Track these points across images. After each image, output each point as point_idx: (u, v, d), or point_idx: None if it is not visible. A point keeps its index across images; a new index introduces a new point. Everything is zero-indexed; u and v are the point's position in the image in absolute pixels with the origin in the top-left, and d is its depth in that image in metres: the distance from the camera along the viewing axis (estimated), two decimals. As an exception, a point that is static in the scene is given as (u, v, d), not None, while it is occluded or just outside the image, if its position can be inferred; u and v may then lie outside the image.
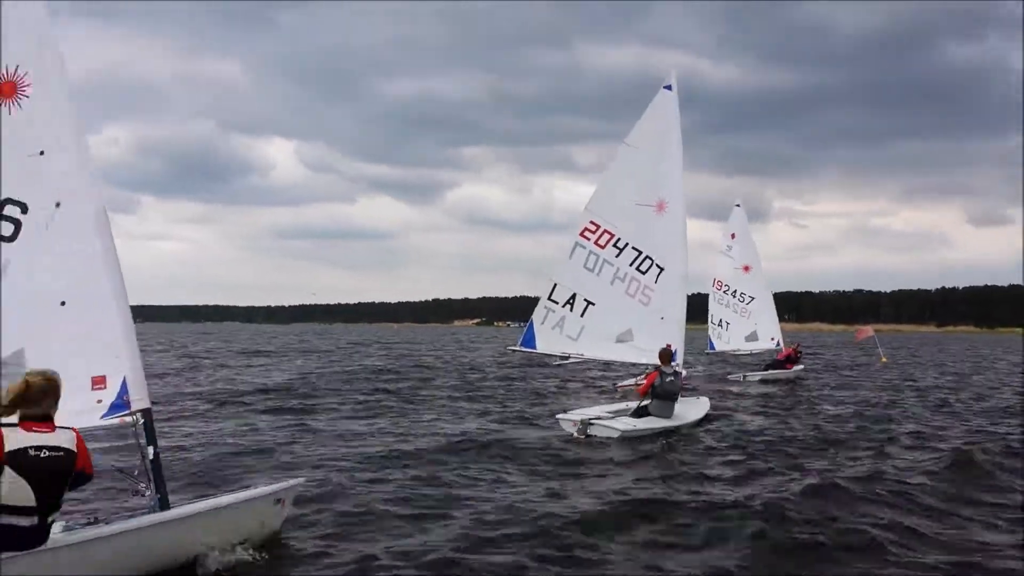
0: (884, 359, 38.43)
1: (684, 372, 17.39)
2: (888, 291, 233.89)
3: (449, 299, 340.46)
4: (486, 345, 67.52)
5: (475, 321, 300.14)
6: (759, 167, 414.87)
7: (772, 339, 31.04)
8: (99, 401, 7.16)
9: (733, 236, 31.36)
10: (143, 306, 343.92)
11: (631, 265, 17.55)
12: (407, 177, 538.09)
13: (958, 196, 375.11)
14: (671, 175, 17.98)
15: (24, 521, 5.75)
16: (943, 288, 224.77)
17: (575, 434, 14.43)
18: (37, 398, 5.90)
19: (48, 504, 5.82)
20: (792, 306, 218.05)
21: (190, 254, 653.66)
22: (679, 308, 17.73)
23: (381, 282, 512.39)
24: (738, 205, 32.34)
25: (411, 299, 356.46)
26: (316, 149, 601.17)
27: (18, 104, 7.33)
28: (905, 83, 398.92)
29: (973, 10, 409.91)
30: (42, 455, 5.75)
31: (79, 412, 6.85)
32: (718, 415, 17.60)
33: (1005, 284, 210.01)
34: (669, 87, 18.10)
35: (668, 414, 15.32)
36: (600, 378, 27.34)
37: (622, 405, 16.45)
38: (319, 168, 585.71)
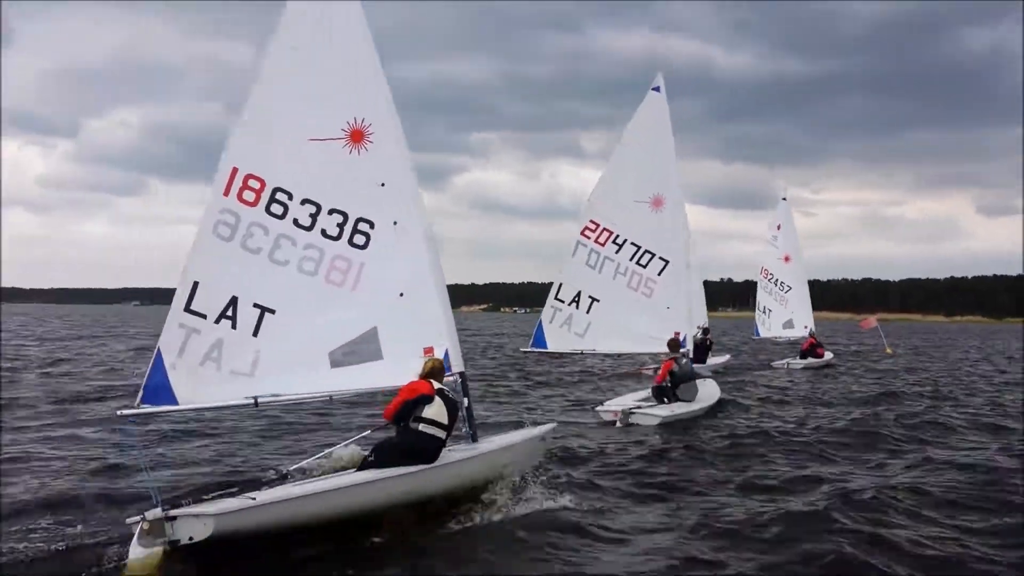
0: (889, 350, 37.78)
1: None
2: (897, 280, 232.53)
3: (456, 284, 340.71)
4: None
5: (482, 307, 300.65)
6: (768, 155, 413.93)
7: (805, 327, 32.61)
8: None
9: (779, 227, 33.62)
10: (157, 288, 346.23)
11: (631, 260, 18.32)
12: (416, 162, 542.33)
13: (969, 186, 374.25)
14: (665, 171, 18.87)
15: (440, 433, 9.17)
16: (952, 277, 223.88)
17: (617, 423, 15.85)
18: (439, 372, 9.73)
19: (449, 428, 9.27)
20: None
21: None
22: (683, 298, 18.80)
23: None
24: (784, 199, 34.40)
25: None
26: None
27: (365, 148, 10.26)
28: (918, 71, 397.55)
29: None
30: (444, 394, 9.50)
31: (414, 372, 9.81)
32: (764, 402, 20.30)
33: (1014, 274, 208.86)
34: (657, 89, 19.06)
35: (693, 397, 17.16)
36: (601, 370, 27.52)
37: (645, 393, 17.83)
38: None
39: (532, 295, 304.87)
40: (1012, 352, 50.03)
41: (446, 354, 10.40)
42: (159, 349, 9.49)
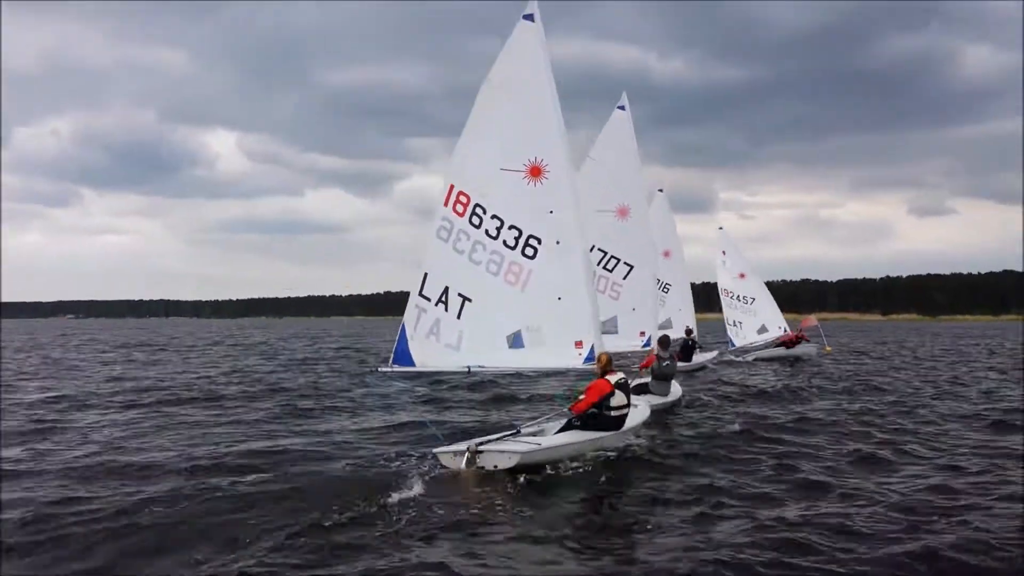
0: (828, 348, 39.87)
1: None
2: (834, 280, 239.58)
3: (401, 292, 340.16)
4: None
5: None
6: (705, 160, 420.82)
7: (779, 327, 36.92)
8: (580, 354, 13.11)
9: (724, 253, 37.86)
10: (93, 301, 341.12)
11: (599, 265, 19.62)
12: (356, 169, 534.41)
13: (901, 188, 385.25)
14: (631, 183, 20.19)
15: (625, 411, 12.61)
16: (887, 277, 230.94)
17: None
18: (610, 362, 12.68)
19: (630, 403, 12.78)
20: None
21: (135, 248, 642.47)
22: (651, 300, 19.94)
23: (333, 275, 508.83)
24: (720, 228, 39.01)
25: (363, 292, 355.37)
26: (262, 140, 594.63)
27: (540, 182, 13.19)
28: (849, 76, 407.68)
29: (912, 2, 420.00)
30: (621, 383, 12.50)
31: (571, 359, 13.11)
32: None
33: (947, 272, 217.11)
34: (623, 107, 20.68)
35: (665, 392, 17.65)
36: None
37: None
38: (266, 160, 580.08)
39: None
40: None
41: (592, 347, 13.01)
42: (403, 323, 13.28)
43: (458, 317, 13.24)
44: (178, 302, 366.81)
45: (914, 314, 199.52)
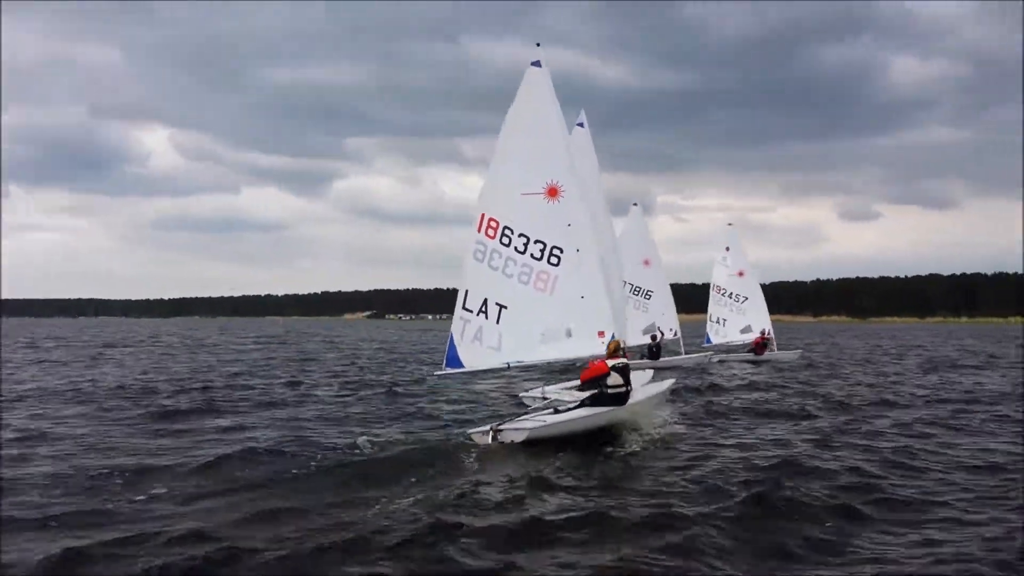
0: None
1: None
2: (767, 283, 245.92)
3: (339, 292, 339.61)
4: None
5: (366, 314, 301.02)
6: (644, 164, 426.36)
7: (763, 330, 37.94)
8: (602, 343, 15.21)
9: (727, 249, 38.51)
10: (18, 300, 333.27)
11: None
12: (293, 167, 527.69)
13: (831, 193, 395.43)
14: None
15: (622, 390, 14.44)
16: (818, 280, 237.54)
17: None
18: (617, 348, 14.68)
19: (627, 386, 14.51)
20: (683, 297, 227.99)
21: (66, 246, 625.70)
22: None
23: (269, 275, 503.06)
24: (730, 224, 40.44)
25: (300, 292, 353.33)
26: (197, 137, 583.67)
27: (558, 201, 15.53)
28: (783, 85, 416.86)
29: (846, 13, 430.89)
30: (619, 366, 14.33)
31: (596, 347, 15.30)
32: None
33: (875, 276, 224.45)
34: (582, 124, 20.81)
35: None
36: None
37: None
38: (200, 157, 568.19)
39: (417, 302, 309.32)
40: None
41: (612, 335, 15.32)
42: (452, 333, 15.72)
43: (497, 322, 15.58)
44: (108, 301, 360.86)
45: (844, 316, 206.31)
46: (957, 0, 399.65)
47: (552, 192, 15.45)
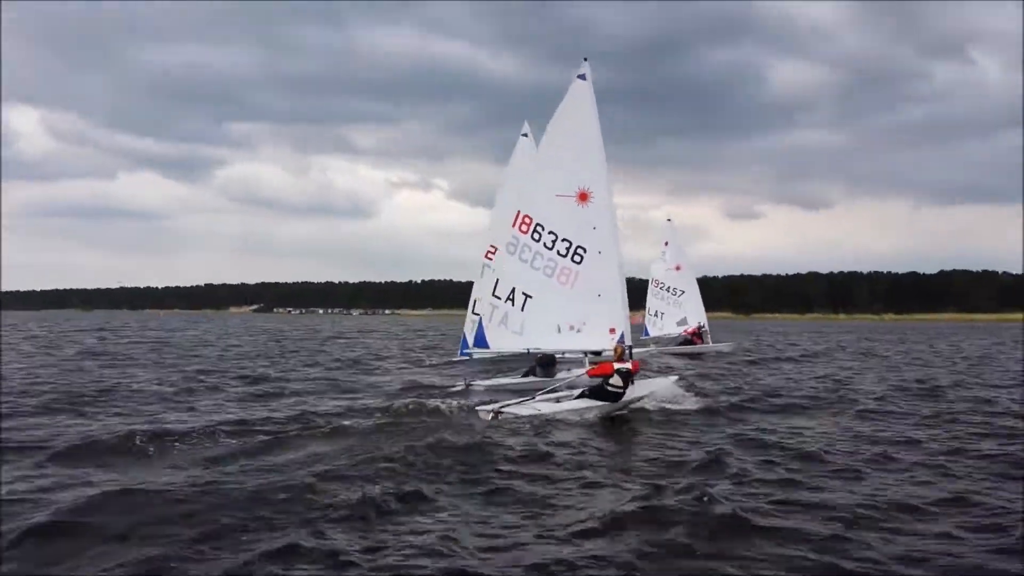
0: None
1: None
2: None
3: (224, 284, 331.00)
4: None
5: (252, 308, 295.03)
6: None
7: (698, 323, 40.17)
8: (612, 338, 16.77)
9: (666, 244, 39.49)
10: None
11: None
12: (174, 153, 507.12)
13: (717, 193, 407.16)
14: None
15: (620, 390, 15.97)
16: (704, 277, 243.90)
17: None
18: (622, 353, 16.08)
19: (625, 386, 15.96)
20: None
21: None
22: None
23: (148, 266, 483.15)
24: (669, 220, 42.75)
25: (182, 284, 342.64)
26: (69, 119, 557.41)
27: (587, 205, 17.14)
28: (669, 85, 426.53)
29: (731, 16, 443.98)
30: (622, 371, 15.80)
31: (606, 342, 16.85)
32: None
33: (758, 274, 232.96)
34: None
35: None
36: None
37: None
38: (72, 140, 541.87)
39: (307, 295, 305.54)
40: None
41: (622, 335, 16.95)
42: (480, 317, 17.40)
43: (522, 310, 17.25)
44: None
45: (729, 312, 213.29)
46: (835, 2, 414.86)
47: (583, 197, 17.09)
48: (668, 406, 16.92)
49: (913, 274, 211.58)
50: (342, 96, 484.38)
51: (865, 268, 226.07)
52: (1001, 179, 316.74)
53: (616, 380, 15.89)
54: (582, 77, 17.26)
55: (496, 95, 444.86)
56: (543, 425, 14.62)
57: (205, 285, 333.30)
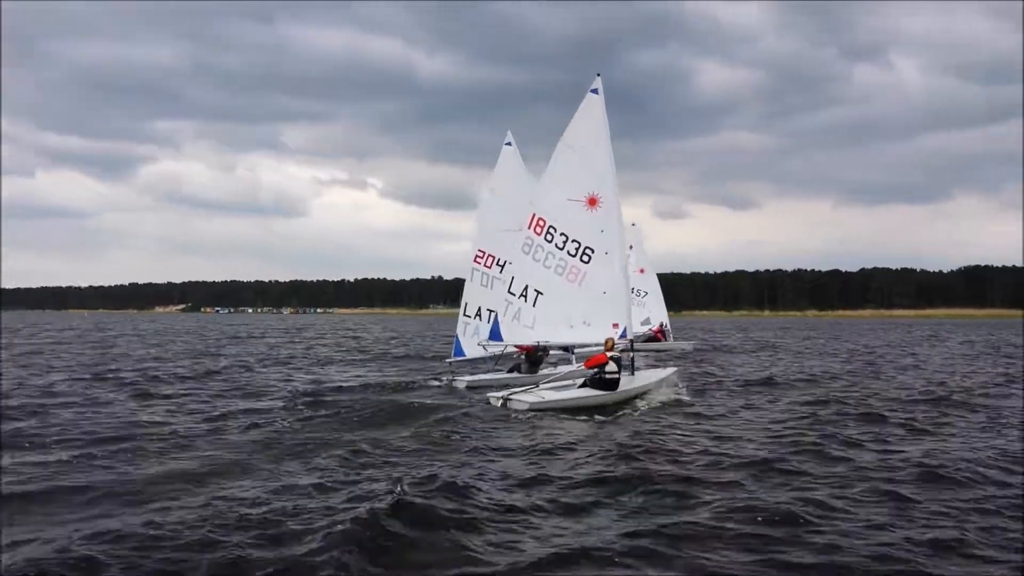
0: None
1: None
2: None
3: (150, 283, 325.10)
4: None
5: (180, 307, 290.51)
6: (470, 157, 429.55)
7: (661, 323, 42.88)
8: (617, 333, 18.25)
9: (631, 247, 41.04)
10: None
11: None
12: (96, 151, 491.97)
13: (647, 193, 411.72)
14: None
15: (616, 377, 17.22)
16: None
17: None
18: (613, 345, 17.70)
19: (619, 373, 17.23)
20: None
21: None
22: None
23: (71, 265, 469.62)
24: (633, 224, 44.20)
25: (106, 283, 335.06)
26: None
27: (596, 210, 18.49)
28: (603, 86, 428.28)
29: (659, 18, 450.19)
30: (615, 358, 17.28)
31: (608, 335, 18.02)
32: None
33: (688, 272, 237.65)
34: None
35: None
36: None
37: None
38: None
39: (236, 294, 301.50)
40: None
41: (625, 329, 18.44)
42: (496, 312, 18.78)
43: (534, 305, 18.63)
44: None
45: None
46: (760, 3, 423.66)
47: (592, 202, 18.49)
48: (675, 395, 18.65)
49: (836, 272, 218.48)
50: (272, 94, 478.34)
51: (790, 266, 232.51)
52: (919, 179, 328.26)
53: (611, 367, 17.19)
54: (594, 91, 18.71)
55: (429, 93, 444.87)
56: (555, 415, 15.84)
57: (130, 284, 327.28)
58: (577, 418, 15.52)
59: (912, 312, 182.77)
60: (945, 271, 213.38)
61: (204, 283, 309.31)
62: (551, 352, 21.92)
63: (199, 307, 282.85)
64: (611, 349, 17.61)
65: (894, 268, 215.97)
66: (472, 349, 22.26)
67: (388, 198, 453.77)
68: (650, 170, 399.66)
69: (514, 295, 18.70)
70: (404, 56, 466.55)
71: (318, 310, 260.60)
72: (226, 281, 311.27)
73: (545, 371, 20.94)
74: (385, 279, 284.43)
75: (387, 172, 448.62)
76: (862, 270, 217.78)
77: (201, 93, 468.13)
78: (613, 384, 17.31)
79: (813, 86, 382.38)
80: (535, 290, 18.58)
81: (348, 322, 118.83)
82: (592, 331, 18.52)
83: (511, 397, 16.68)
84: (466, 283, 22.97)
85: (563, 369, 19.62)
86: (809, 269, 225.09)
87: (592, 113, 18.66)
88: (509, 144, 23.22)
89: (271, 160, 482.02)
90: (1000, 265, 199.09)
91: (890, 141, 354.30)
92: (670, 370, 20.65)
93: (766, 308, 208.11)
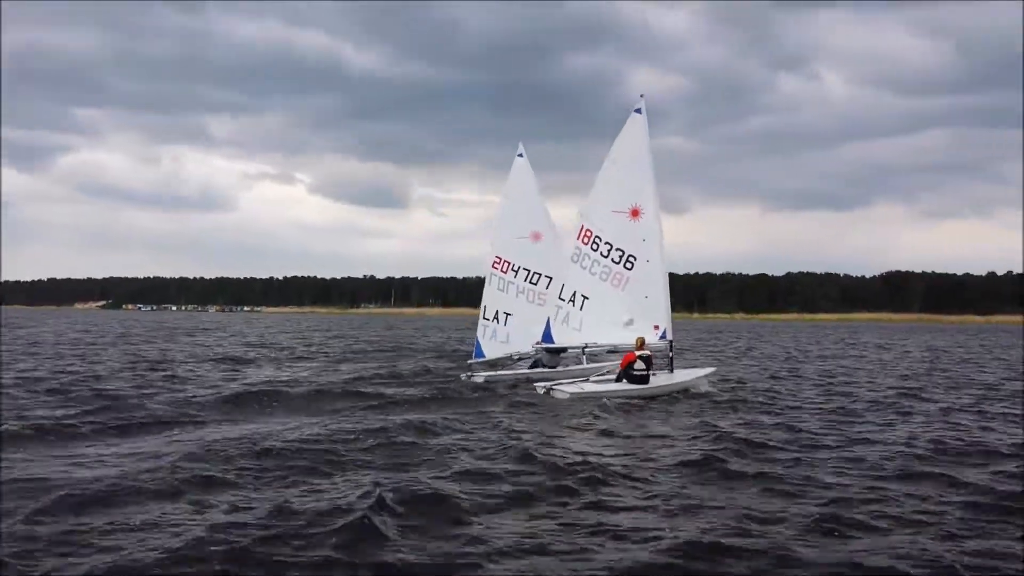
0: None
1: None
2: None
3: (69, 279, 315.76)
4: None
5: (100, 304, 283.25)
6: (401, 155, 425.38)
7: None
8: (656, 334, 20.00)
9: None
10: None
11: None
12: (11, 139, 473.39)
13: (581, 195, 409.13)
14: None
15: (645, 374, 19.00)
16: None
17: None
18: (643, 343, 19.27)
19: (647, 371, 19.07)
20: (440, 292, 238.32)
21: None
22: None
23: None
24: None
25: (22, 278, 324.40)
26: None
27: (638, 220, 20.17)
28: (532, 88, 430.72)
29: (592, 22, 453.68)
30: (643, 356, 19.11)
31: (651, 337, 19.71)
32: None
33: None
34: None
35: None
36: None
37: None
38: None
39: (160, 291, 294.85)
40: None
41: (664, 331, 20.12)
42: (548, 318, 20.11)
43: (581, 309, 20.13)
44: None
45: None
46: (690, 8, 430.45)
47: (635, 213, 20.06)
48: (710, 391, 20.17)
49: (762, 276, 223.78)
50: (197, 84, 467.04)
51: (719, 270, 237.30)
52: (842, 188, 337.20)
53: (639, 364, 18.85)
54: (638, 111, 20.42)
55: (360, 89, 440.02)
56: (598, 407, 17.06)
57: (48, 280, 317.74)
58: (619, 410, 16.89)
59: (835, 316, 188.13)
60: (867, 276, 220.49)
61: (125, 279, 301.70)
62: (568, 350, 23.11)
63: (120, 304, 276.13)
64: (641, 348, 19.01)
65: (818, 272, 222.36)
66: (492, 350, 23.14)
67: (317, 194, 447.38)
68: (583, 172, 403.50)
69: (564, 301, 20.19)
70: (330, 48, 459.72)
71: (245, 308, 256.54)
72: (149, 277, 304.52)
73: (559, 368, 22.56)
74: (315, 277, 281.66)
75: (316, 167, 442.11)
76: (787, 274, 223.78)
77: (123, 81, 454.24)
78: (643, 379, 18.79)
79: (739, 95, 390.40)
80: (582, 295, 20.05)
81: (289, 323, 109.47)
82: (634, 332, 19.71)
83: (553, 387, 18.34)
84: (485, 287, 23.83)
85: (603, 365, 21.13)
86: (737, 273, 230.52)
87: (635, 131, 20.40)
88: (521, 156, 24.20)
89: (197, 152, 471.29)
90: (920, 271, 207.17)
91: (814, 149, 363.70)
92: (708, 369, 22.02)
93: (695, 311, 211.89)
